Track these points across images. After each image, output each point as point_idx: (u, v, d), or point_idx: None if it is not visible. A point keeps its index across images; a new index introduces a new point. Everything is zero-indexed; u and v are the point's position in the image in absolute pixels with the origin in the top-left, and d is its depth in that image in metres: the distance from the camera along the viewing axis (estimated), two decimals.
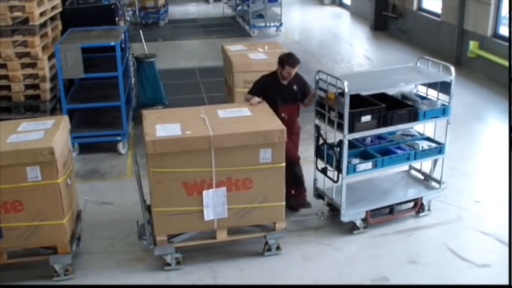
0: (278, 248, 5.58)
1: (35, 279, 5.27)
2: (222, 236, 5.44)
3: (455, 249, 5.66)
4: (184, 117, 5.47)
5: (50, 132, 5.14)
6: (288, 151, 5.58)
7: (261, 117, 5.49)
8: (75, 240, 5.38)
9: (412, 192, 6.26)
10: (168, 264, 5.34)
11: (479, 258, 5.52)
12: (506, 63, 10.06)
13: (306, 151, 7.94)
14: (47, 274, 5.25)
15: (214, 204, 5.25)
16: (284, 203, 5.44)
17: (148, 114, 5.66)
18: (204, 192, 5.19)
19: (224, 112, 5.59)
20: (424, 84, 6.14)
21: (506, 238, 5.70)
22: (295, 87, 6.04)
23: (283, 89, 6.01)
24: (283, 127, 5.25)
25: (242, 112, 5.59)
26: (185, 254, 5.47)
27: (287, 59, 5.92)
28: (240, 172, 5.21)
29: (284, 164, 5.30)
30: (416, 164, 6.36)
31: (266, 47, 8.04)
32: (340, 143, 5.56)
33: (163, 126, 5.26)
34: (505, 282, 4.84)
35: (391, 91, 6.17)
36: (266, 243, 5.55)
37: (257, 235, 5.55)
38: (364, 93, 5.76)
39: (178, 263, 5.37)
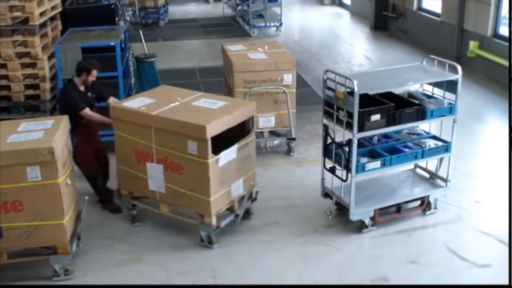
0: (210, 242, 5.70)
1: (35, 279, 5.27)
2: (164, 209, 5.93)
3: (455, 249, 5.66)
4: (168, 97, 6.07)
5: (50, 132, 5.14)
6: (87, 163, 6.30)
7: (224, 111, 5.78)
8: (75, 240, 5.37)
9: (419, 191, 6.28)
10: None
11: (479, 258, 5.52)
12: (506, 63, 10.05)
13: (305, 151, 7.97)
14: (47, 274, 5.25)
15: (155, 176, 5.78)
16: (211, 199, 5.52)
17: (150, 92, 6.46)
18: (147, 164, 5.80)
19: (205, 101, 5.98)
20: (430, 83, 6.16)
21: (506, 238, 5.70)
22: (89, 94, 6.45)
23: (85, 96, 6.38)
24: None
25: (217, 105, 5.88)
26: (185, 255, 5.45)
27: (94, 64, 6.36)
28: (173, 156, 5.62)
29: (211, 159, 5.45)
30: (421, 162, 6.37)
31: (266, 47, 8.04)
32: (349, 142, 5.57)
33: (140, 99, 6.04)
34: (505, 282, 4.84)
35: (398, 90, 6.18)
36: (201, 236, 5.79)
37: (192, 221, 5.81)
38: (372, 92, 5.78)
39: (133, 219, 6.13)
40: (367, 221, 5.91)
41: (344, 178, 5.75)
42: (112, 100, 6.50)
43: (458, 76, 5.84)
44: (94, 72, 6.35)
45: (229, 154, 5.64)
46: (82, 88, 6.37)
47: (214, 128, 5.37)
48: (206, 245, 5.70)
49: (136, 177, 5.94)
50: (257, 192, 6.22)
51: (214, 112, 5.69)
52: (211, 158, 5.41)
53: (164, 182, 5.73)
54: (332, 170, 5.92)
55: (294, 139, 7.79)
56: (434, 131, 6.40)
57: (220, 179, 5.57)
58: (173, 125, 5.52)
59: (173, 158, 5.60)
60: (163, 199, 5.86)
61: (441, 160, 6.24)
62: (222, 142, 5.57)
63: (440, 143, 6.14)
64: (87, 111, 6.21)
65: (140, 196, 6.13)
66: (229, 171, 5.68)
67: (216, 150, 5.47)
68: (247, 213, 6.18)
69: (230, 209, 5.86)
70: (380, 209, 5.95)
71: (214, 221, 5.63)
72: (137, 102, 5.96)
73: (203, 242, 5.73)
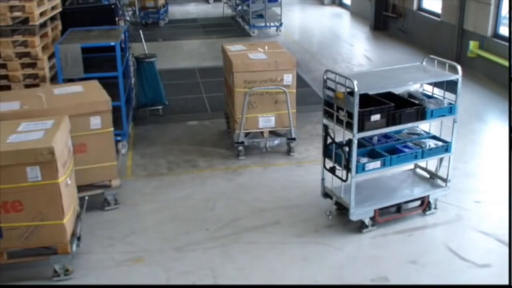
0: (116, 203, 6.47)
1: (35, 279, 5.27)
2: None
3: (455, 249, 5.66)
4: (23, 97, 6.20)
5: (50, 132, 5.14)
6: None
7: (89, 93, 6.35)
8: (75, 240, 5.38)
9: (419, 191, 6.28)
10: None
11: (479, 258, 5.52)
12: (506, 63, 10.06)
13: (305, 151, 7.97)
14: (47, 274, 5.25)
15: None
16: (116, 163, 6.36)
17: None
18: None
19: (59, 90, 6.36)
20: (430, 83, 6.17)
21: (506, 238, 5.70)
22: None
23: None
24: (108, 98, 6.19)
25: (75, 89, 6.42)
26: (185, 255, 5.46)
27: None
28: (75, 138, 5.85)
29: (111, 129, 6.19)
30: (421, 162, 6.37)
31: (266, 47, 8.04)
32: (349, 142, 5.57)
33: (3, 104, 5.98)
34: (505, 282, 4.85)
35: (398, 90, 6.19)
36: (105, 199, 6.42)
37: (96, 192, 6.34)
38: (372, 92, 5.78)
39: None
40: (367, 221, 5.91)
41: (344, 178, 5.75)
42: None
43: (458, 76, 5.85)
44: None
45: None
46: None
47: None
48: (114, 207, 6.08)
49: None
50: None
51: (88, 92, 6.23)
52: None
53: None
54: (332, 170, 5.92)
55: (294, 139, 7.80)
56: (434, 131, 6.41)
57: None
58: (74, 109, 5.85)
59: (76, 141, 5.79)
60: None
61: (441, 160, 6.24)
62: None
63: (440, 143, 6.14)
64: None
65: None
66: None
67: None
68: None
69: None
70: (380, 209, 5.96)
71: (119, 181, 5.92)
72: (6, 107, 5.80)
73: (110, 205, 6.30)
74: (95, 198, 6.34)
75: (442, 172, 6.30)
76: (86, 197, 5.80)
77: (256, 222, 6.19)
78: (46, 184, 4.96)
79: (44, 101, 5.98)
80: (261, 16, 15.68)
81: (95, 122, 6.12)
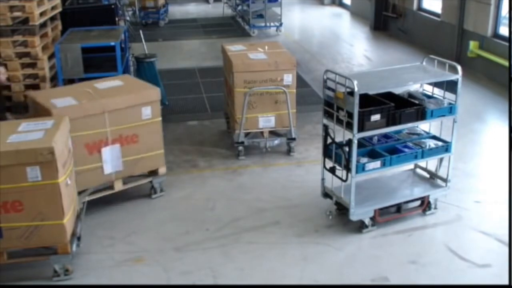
0: (161, 190, 6.70)
1: (35, 279, 5.27)
2: (118, 186, 6.35)
3: (455, 249, 5.66)
4: (71, 93, 6.27)
5: (50, 132, 5.14)
6: None
7: (133, 85, 6.60)
8: (75, 240, 5.38)
9: (419, 191, 6.28)
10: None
11: (479, 258, 5.52)
12: (506, 63, 10.06)
13: (305, 151, 7.97)
14: (47, 274, 5.25)
15: (112, 158, 6.14)
16: (163, 150, 6.57)
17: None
18: (103, 150, 6.07)
19: (100, 85, 6.47)
20: (430, 83, 6.17)
21: (506, 238, 5.70)
22: None
23: None
24: (157, 88, 6.45)
25: (115, 84, 6.58)
26: (185, 255, 5.47)
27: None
28: (128, 129, 6.18)
29: (160, 118, 6.41)
30: (421, 162, 6.37)
31: (266, 47, 8.04)
32: (349, 142, 5.57)
33: (58, 100, 6.06)
34: (505, 282, 4.85)
35: (398, 90, 6.19)
36: (152, 186, 6.65)
37: (145, 181, 6.63)
38: (372, 92, 5.78)
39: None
40: (367, 221, 5.91)
41: (344, 178, 5.75)
42: None
43: (458, 76, 5.85)
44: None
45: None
46: None
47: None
48: (160, 195, 6.09)
49: (85, 172, 6.00)
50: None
51: (129, 85, 6.45)
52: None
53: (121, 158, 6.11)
54: (332, 170, 5.92)
55: (294, 139, 7.80)
56: (434, 131, 6.41)
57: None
58: (129, 101, 6.15)
59: (128, 132, 6.05)
60: (118, 176, 6.08)
61: (441, 160, 6.24)
62: None
63: (440, 143, 6.14)
64: None
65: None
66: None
67: None
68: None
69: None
70: (380, 209, 5.95)
71: (165, 169, 5.96)
72: (64, 103, 5.94)
73: (156, 193, 6.40)
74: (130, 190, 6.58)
75: (442, 172, 6.30)
76: (87, 197, 5.80)
77: (256, 222, 6.19)
78: (46, 184, 4.96)
79: (95, 95, 6.14)
80: (261, 16, 15.68)
81: (146, 112, 6.28)
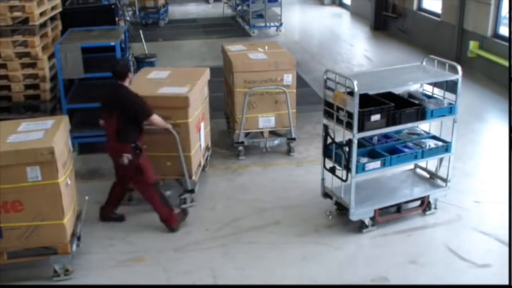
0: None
1: (35, 279, 5.27)
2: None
3: (455, 249, 5.66)
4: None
5: (50, 132, 5.14)
6: (150, 169, 5.85)
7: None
8: (75, 240, 5.38)
9: (419, 191, 6.29)
10: None
11: (479, 258, 5.52)
12: (506, 63, 10.05)
13: (305, 151, 7.97)
14: (47, 274, 5.25)
15: None
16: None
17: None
18: None
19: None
20: (430, 83, 6.17)
21: (506, 238, 5.70)
22: None
23: None
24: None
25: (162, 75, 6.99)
26: (185, 255, 5.47)
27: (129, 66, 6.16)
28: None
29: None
30: (421, 162, 6.37)
31: (266, 47, 8.04)
32: (349, 142, 5.57)
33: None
34: (505, 282, 4.84)
35: (398, 90, 6.19)
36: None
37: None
38: (372, 92, 5.78)
39: None
40: (367, 221, 5.91)
41: (344, 178, 5.74)
42: None
43: (458, 76, 5.85)
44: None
45: None
46: None
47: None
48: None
49: None
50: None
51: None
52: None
53: None
54: (332, 170, 5.92)
55: (294, 139, 7.79)
56: (434, 131, 6.41)
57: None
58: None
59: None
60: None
61: (441, 160, 6.24)
62: None
63: (440, 143, 6.14)
64: (156, 116, 5.77)
65: None
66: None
67: None
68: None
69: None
70: (380, 209, 5.96)
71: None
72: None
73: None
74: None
75: (442, 172, 6.30)
76: (86, 197, 5.79)
77: (256, 222, 6.19)
78: (46, 184, 4.96)
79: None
80: (261, 16, 15.68)
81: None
